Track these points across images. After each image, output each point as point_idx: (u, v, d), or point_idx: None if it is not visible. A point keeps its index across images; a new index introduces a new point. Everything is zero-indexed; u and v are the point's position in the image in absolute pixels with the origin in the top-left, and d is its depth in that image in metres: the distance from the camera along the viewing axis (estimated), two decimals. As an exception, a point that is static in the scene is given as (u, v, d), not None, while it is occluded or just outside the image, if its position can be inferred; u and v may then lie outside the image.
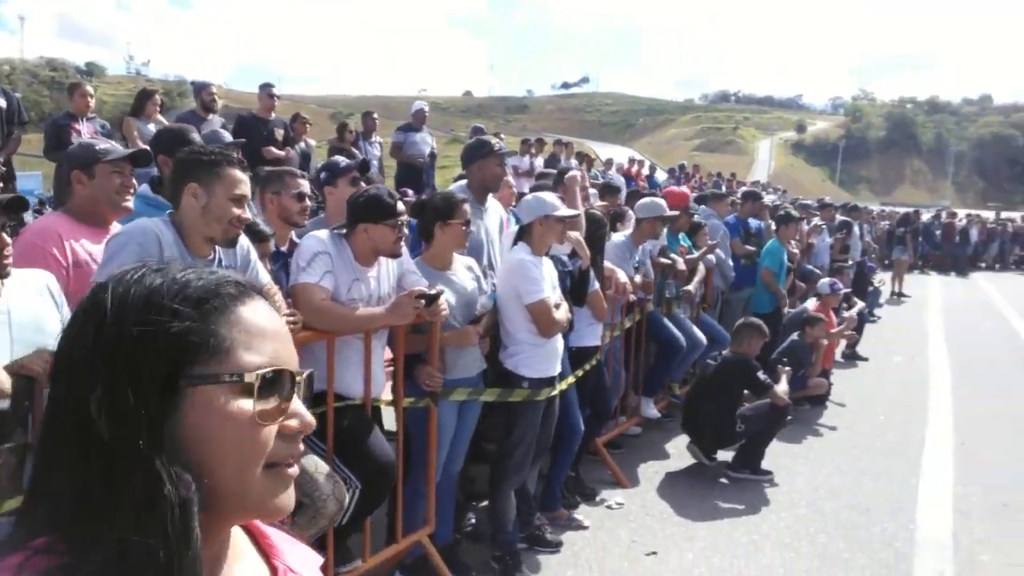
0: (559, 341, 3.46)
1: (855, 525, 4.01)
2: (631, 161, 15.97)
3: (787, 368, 4.90)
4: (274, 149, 6.37)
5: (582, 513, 3.99)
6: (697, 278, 5.72)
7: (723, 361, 4.73)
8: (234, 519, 0.68)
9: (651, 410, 5.31)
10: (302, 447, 0.68)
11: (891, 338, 9.58)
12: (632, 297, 4.63)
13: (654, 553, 3.62)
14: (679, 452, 5.02)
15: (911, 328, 10.76)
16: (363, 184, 3.48)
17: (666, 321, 5.22)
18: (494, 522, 3.43)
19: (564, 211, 3.43)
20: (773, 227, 6.91)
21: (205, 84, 6.78)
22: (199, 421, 0.61)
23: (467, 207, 3.15)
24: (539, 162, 10.38)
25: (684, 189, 6.86)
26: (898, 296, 14.17)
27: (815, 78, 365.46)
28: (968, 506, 4.31)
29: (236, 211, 2.20)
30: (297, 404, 0.66)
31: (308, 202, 3.15)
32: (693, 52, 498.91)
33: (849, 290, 7.72)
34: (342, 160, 3.85)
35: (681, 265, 5.34)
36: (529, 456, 3.42)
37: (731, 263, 6.46)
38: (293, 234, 3.17)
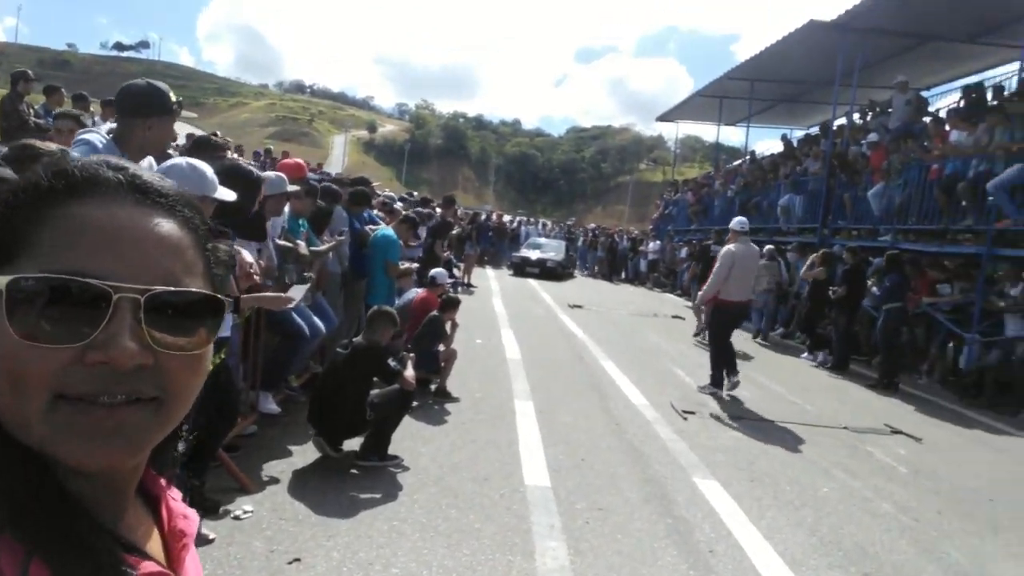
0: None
1: (479, 495, 4.30)
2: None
3: (412, 355, 5.01)
4: None
5: (207, 528, 3.44)
6: (317, 266, 5.49)
7: (354, 349, 4.60)
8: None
9: (270, 405, 4.91)
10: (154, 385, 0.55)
11: (469, 323, 10.67)
12: (257, 280, 4.19)
13: (297, 560, 3.31)
14: (302, 448, 4.74)
15: (484, 314, 12.21)
16: None
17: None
18: None
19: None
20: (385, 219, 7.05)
21: None
22: None
23: None
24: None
25: (299, 160, 6.49)
26: (467, 287, 15.96)
27: (383, 82, 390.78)
28: (558, 463, 5.00)
29: None
30: (115, 331, 0.52)
31: None
32: (255, 36, 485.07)
33: (455, 280, 8.38)
34: None
35: (303, 249, 5.05)
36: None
37: (347, 251, 6.38)
38: None
